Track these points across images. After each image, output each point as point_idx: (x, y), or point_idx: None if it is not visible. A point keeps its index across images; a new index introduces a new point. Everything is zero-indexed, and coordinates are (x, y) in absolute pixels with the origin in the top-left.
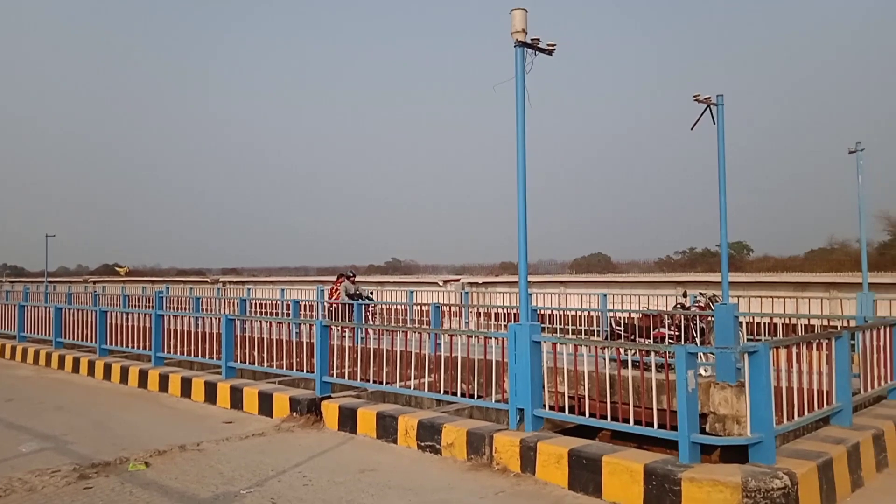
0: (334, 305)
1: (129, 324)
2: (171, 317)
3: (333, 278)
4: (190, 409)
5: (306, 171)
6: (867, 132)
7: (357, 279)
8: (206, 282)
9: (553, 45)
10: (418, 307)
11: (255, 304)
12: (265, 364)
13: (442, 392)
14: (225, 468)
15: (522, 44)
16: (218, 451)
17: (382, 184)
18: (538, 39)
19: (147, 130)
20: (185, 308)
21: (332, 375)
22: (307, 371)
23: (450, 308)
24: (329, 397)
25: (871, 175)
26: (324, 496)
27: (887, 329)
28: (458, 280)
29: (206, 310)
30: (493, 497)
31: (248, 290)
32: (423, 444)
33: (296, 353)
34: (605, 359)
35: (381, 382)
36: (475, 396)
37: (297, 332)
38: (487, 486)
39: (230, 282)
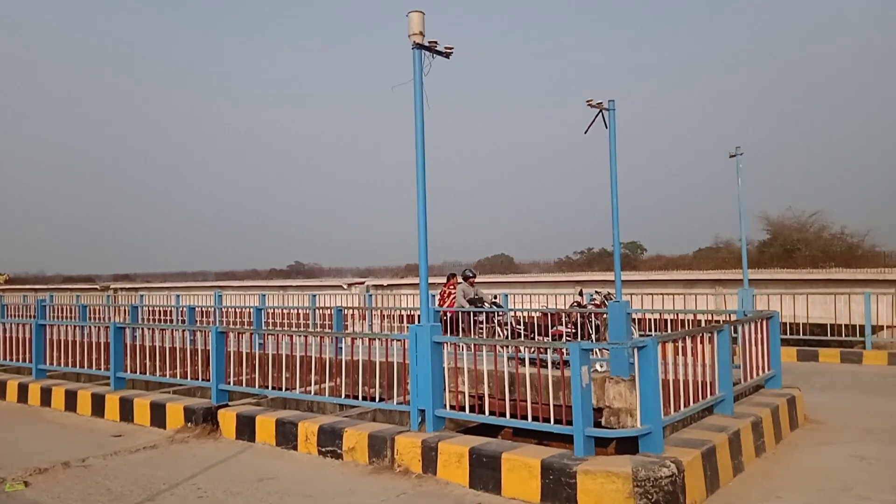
0: (450, 314)
1: (8, 335)
2: (55, 327)
3: (237, 283)
4: (75, 424)
5: (204, 175)
6: (749, 136)
7: (334, 283)
8: (96, 289)
9: (451, 49)
10: (321, 311)
11: (149, 311)
12: (158, 373)
13: (343, 396)
14: (113, 484)
15: (420, 46)
16: (105, 467)
17: (284, 186)
18: (436, 42)
19: (28, 129)
20: (71, 317)
21: (230, 383)
22: (203, 379)
23: (353, 311)
24: (226, 405)
25: (753, 177)
26: None
27: (764, 322)
28: (363, 283)
29: (94, 318)
30: (394, 499)
31: (142, 296)
32: (324, 449)
33: (191, 360)
34: (504, 357)
35: (282, 389)
36: (377, 399)
37: (192, 340)
38: (389, 489)
39: (122, 288)
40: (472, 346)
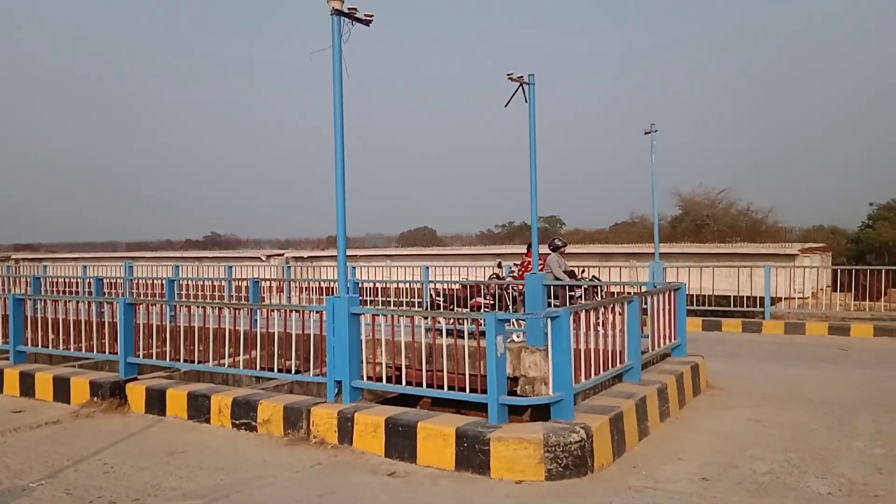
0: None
1: None
2: None
3: (149, 254)
4: None
5: (114, 136)
6: (664, 114)
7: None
8: None
9: (370, 16)
10: (238, 283)
11: (53, 282)
12: (62, 347)
13: (259, 369)
14: (12, 461)
15: (339, 12)
16: (4, 444)
17: (200, 153)
18: (355, 9)
19: None
20: None
21: (139, 356)
22: (111, 353)
23: (271, 283)
24: (136, 379)
25: (667, 155)
26: (127, 483)
27: (672, 294)
28: (283, 254)
29: None
30: (309, 470)
31: (45, 267)
32: (238, 422)
33: (98, 334)
34: (422, 328)
35: (195, 362)
36: (294, 372)
37: (99, 312)
38: (304, 460)
39: (24, 259)
40: (390, 317)
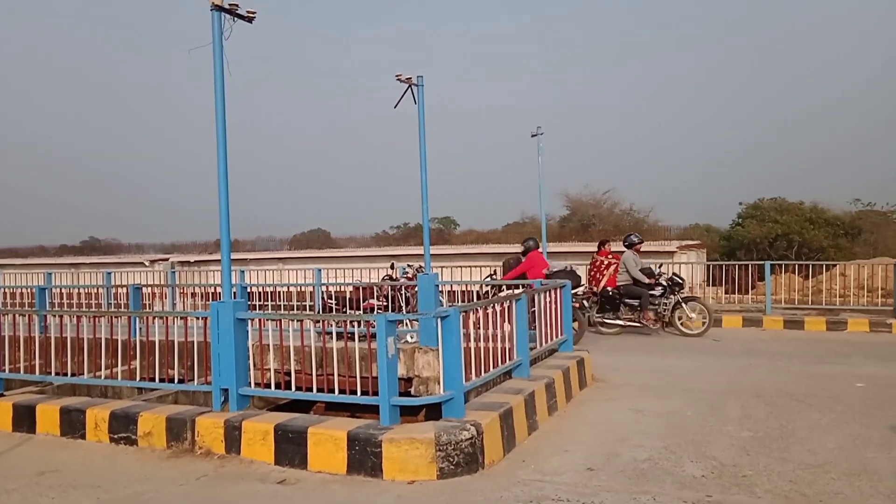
0: (614, 286)
1: None
2: None
3: (19, 261)
4: None
5: None
6: (552, 116)
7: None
8: None
9: (253, 13)
10: (117, 290)
11: None
12: None
13: (139, 379)
14: None
15: (219, 8)
16: None
17: (77, 159)
18: (236, 5)
19: None
20: None
21: (5, 370)
22: None
23: (153, 289)
24: (2, 395)
25: (555, 156)
26: None
27: (558, 291)
28: (168, 259)
29: None
30: (194, 483)
31: None
32: (116, 436)
33: None
34: (313, 332)
35: (68, 374)
36: (178, 381)
37: None
38: (189, 472)
39: None
40: (279, 322)
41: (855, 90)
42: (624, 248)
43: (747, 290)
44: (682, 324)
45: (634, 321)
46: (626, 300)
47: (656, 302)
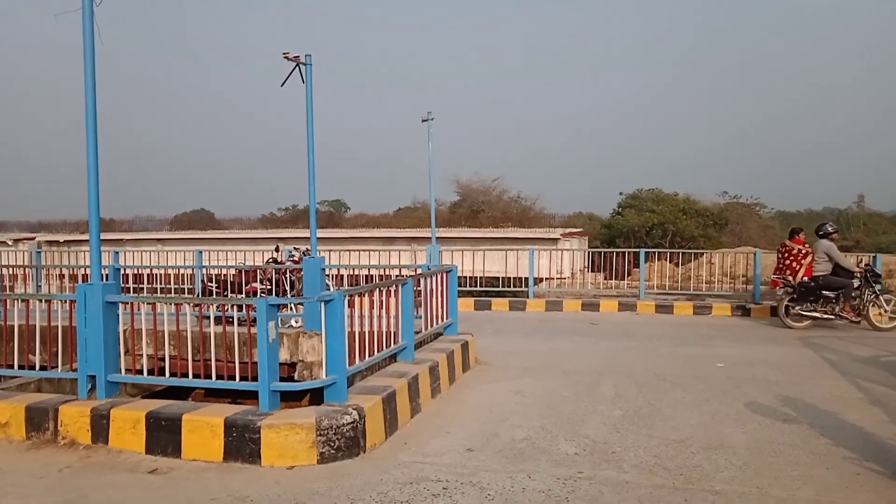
0: (810, 276)
1: None
2: None
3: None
4: None
5: None
6: (445, 102)
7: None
8: None
9: None
10: None
11: None
12: None
13: None
14: None
15: None
16: None
17: None
18: None
19: None
20: None
21: None
22: None
23: (15, 270)
24: None
25: (448, 142)
26: None
27: (444, 275)
28: (34, 238)
29: None
30: (56, 475)
31: None
32: None
33: None
34: (189, 316)
35: None
36: (39, 368)
37: None
38: (51, 464)
39: None
40: (154, 305)
41: (724, 91)
42: (812, 238)
43: (625, 276)
44: (874, 318)
45: (830, 313)
46: (825, 291)
47: (857, 297)
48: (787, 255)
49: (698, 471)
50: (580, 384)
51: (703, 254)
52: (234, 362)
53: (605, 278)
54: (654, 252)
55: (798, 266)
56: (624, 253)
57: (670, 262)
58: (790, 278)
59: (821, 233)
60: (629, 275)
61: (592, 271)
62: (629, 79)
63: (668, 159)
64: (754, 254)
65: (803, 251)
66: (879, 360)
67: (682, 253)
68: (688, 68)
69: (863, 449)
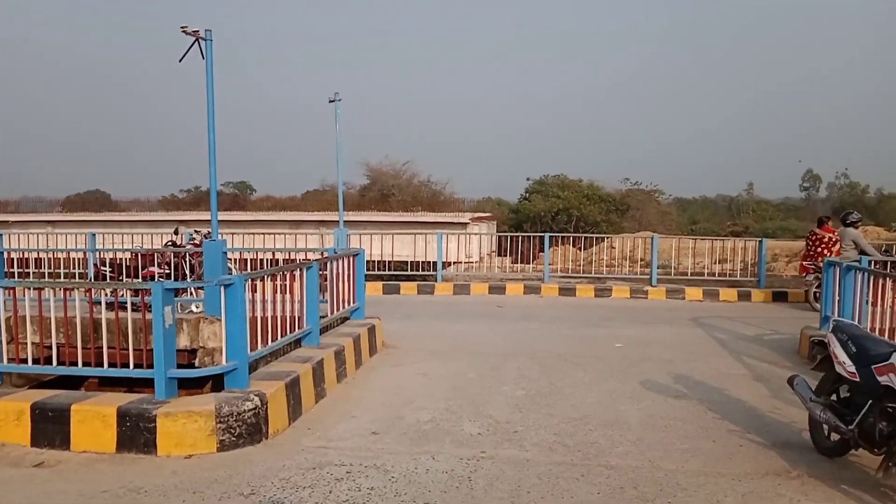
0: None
1: None
2: None
3: None
4: None
5: None
6: (353, 82)
7: None
8: None
9: None
10: None
11: None
12: None
13: None
14: None
15: None
16: None
17: None
18: None
19: None
20: None
21: None
22: None
23: None
24: None
25: (356, 124)
26: None
27: (351, 259)
28: None
29: None
30: None
31: None
32: None
33: None
34: (78, 302)
35: None
36: None
37: None
38: None
39: None
40: (40, 291)
41: (626, 82)
42: (831, 227)
43: (531, 260)
44: None
45: None
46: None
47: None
48: (817, 242)
49: (595, 447)
50: (485, 366)
51: (604, 238)
52: (128, 350)
53: (513, 262)
54: (559, 236)
55: (828, 253)
56: (530, 237)
57: (574, 246)
58: (821, 265)
59: (847, 221)
60: (535, 259)
61: (500, 255)
62: (537, 66)
63: (573, 145)
64: (652, 238)
65: (833, 238)
66: (763, 339)
67: (586, 237)
68: (592, 59)
69: (746, 422)
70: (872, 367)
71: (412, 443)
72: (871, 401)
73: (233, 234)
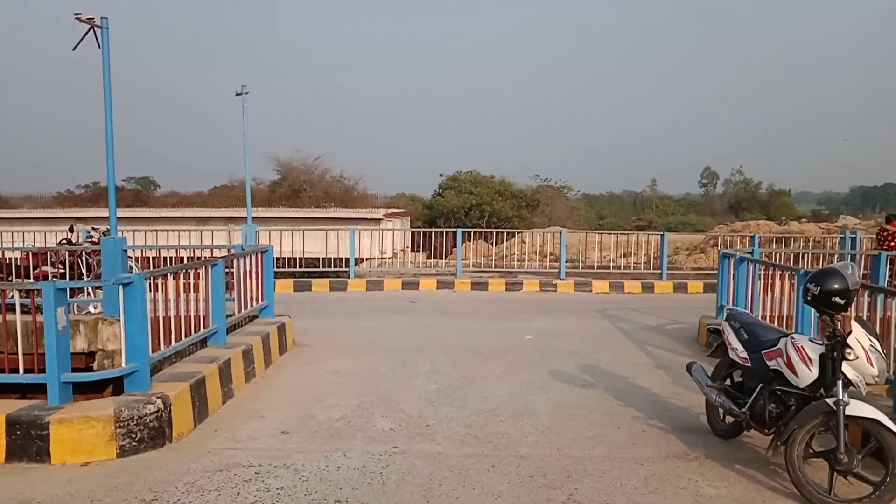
0: None
1: None
2: None
3: None
4: None
5: None
6: (263, 77)
7: None
8: None
9: None
10: None
11: None
12: None
13: None
14: None
15: None
16: None
17: None
18: None
19: None
20: None
21: None
22: None
23: None
24: None
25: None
26: None
27: (260, 256)
28: None
29: None
30: None
31: None
32: None
33: None
34: None
35: None
36: None
37: None
38: None
39: None
40: None
41: (534, 81)
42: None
43: (444, 255)
44: None
45: None
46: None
47: None
48: (889, 237)
49: (506, 437)
50: (397, 361)
51: (515, 234)
52: (17, 354)
53: (426, 258)
54: (472, 232)
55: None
56: (443, 233)
57: (486, 241)
58: None
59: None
60: (449, 254)
61: (414, 251)
62: (450, 64)
63: (486, 142)
64: (560, 233)
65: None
66: (665, 328)
67: (498, 233)
68: (503, 59)
69: (648, 408)
70: (762, 352)
71: (323, 441)
72: (761, 384)
73: (134, 231)
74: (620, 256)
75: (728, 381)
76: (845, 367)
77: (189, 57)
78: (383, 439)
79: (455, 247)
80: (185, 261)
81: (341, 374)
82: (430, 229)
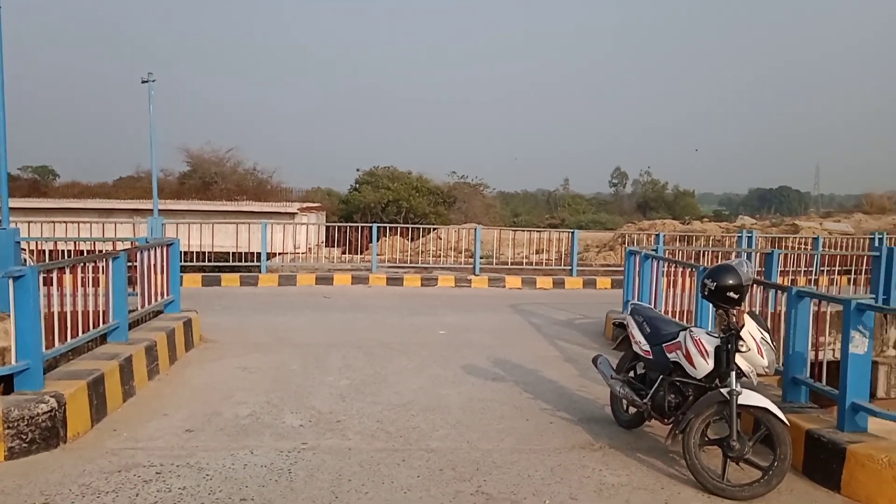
0: None
1: None
2: None
3: None
4: None
5: None
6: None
7: None
8: None
9: None
10: None
11: None
12: None
13: None
14: None
15: None
16: None
17: None
18: None
19: None
20: None
21: None
22: None
23: None
24: None
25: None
26: None
27: (165, 249)
28: None
29: None
30: None
31: None
32: None
33: None
34: None
35: None
36: None
37: None
38: None
39: None
40: None
41: (452, 81)
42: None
43: (360, 250)
44: None
45: None
46: None
47: None
48: None
49: (417, 432)
50: (309, 357)
51: (431, 230)
52: None
53: (342, 253)
54: (388, 227)
55: None
56: (359, 228)
57: (403, 237)
58: None
59: None
60: (365, 249)
61: (329, 246)
62: (369, 60)
63: (403, 138)
64: (475, 230)
65: None
66: (574, 323)
67: (414, 228)
68: (421, 58)
69: (556, 401)
70: (663, 345)
71: (229, 438)
72: (662, 376)
73: (30, 222)
74: (533, 253)
75: (632, 374)
76: (738, 359)
77: (94, 44)
78: (292, 436)
79: (371, 242)
80: (86, 254)
81: (250, 371)
82: (345, 224)
